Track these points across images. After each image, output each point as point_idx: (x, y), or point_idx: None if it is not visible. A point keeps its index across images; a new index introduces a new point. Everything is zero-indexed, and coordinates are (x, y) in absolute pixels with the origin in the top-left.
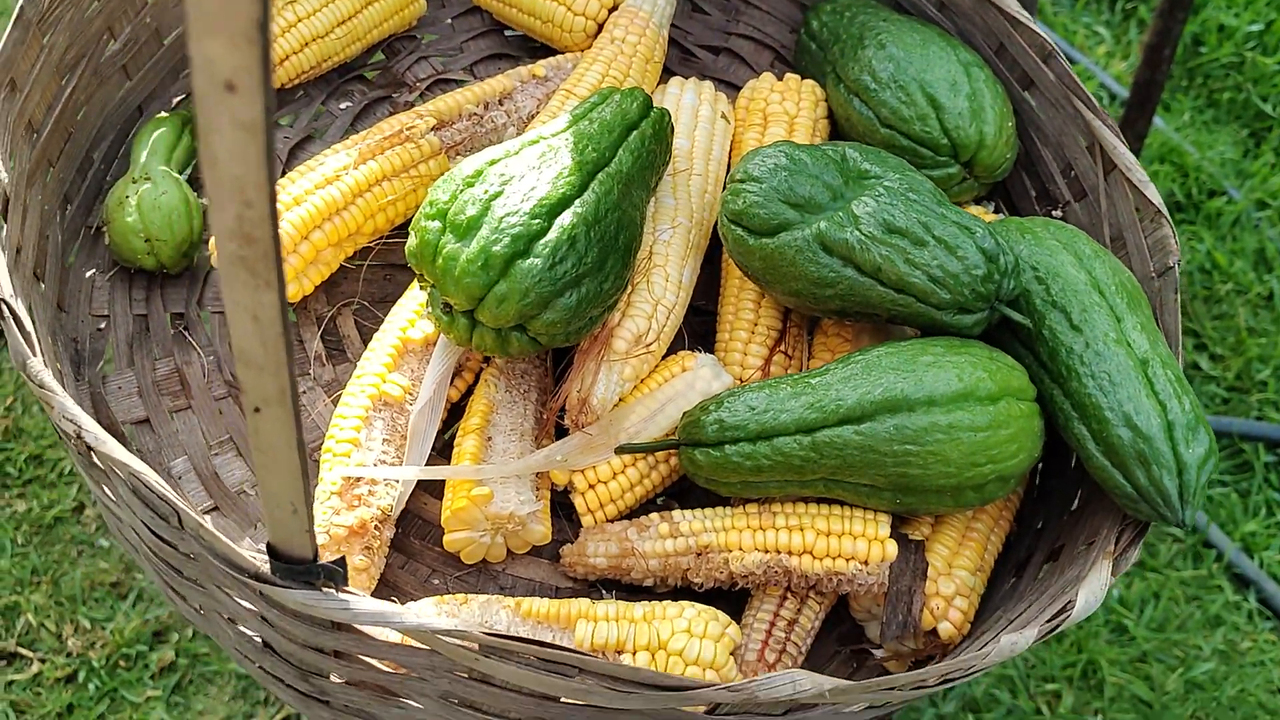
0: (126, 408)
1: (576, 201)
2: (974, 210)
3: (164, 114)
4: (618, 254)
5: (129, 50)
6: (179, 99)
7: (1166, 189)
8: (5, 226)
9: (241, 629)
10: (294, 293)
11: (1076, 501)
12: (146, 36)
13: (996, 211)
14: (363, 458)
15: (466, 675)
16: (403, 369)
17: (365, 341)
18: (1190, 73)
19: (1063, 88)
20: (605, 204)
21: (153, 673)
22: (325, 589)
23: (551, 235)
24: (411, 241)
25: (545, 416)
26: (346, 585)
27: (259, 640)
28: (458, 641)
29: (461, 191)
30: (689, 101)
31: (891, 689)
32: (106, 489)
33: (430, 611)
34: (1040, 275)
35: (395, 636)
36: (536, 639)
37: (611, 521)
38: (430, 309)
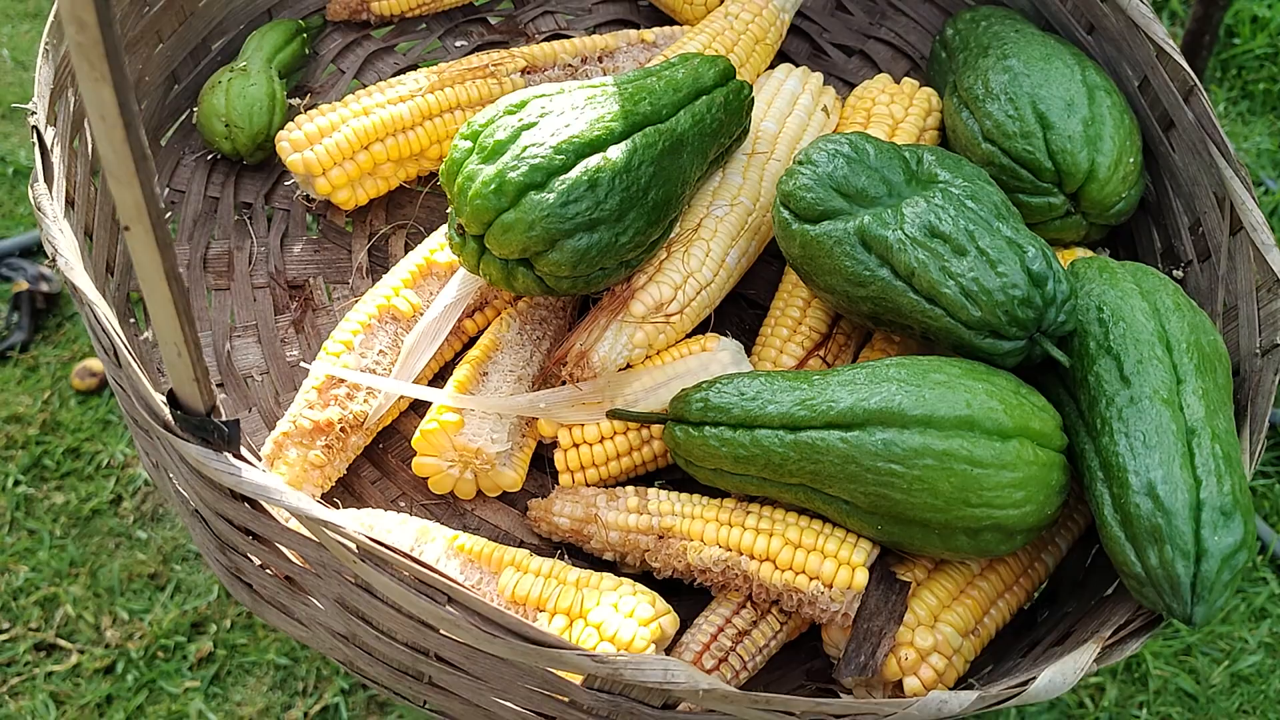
0: None
1: (612, 148)
2: (1080, 253)
3: (285, 19)
4: (643, 209)
5: None
6: (311, 13)
7: None
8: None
9: (178, 486)
10: (346, 199)
11: (1112, 588)
12: None
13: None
14: (352, 361)
15: (354, 581)
16: (421, 289)
17: None
18: (1224, 64)
19: (1200, 130)
20: (642, 157)
21: (191, 664)
22: (219, 449)
23: (573, 174)
24: (445, 160)
25: (547, 366)
26: (237, 449)
27: (190, 504)
28: (336, 536)
29: (500, 117)
30: (791, 88)
31: (789, 713)
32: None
33: (345, 514)
34: (1103, 317)
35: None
36: (432, 565)
37: (590, 486)
38: (448, 229)
